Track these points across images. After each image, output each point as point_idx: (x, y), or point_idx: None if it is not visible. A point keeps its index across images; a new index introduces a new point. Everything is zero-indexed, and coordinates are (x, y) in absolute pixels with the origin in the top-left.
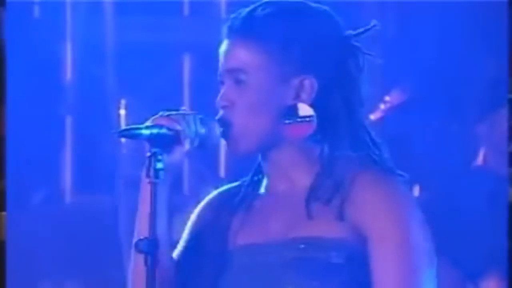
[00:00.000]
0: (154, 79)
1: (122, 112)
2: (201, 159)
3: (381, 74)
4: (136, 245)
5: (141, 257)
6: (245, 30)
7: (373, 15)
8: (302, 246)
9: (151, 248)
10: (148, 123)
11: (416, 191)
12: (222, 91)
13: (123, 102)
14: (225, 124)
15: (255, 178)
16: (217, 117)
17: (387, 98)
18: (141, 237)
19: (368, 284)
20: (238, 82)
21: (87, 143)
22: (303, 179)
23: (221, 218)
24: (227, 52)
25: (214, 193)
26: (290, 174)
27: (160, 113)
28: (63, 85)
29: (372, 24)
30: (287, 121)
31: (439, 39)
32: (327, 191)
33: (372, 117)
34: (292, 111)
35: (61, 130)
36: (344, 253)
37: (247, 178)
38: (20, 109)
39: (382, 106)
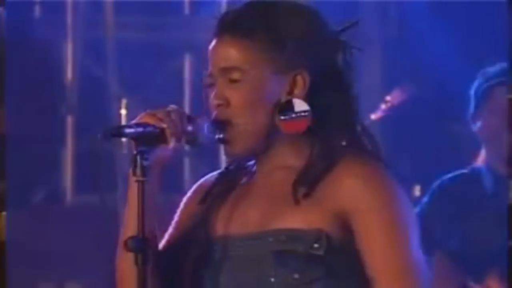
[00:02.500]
0: (154, 79)
1: (123, 111)
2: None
3: (382, 74)
4: (126, 243)
5: (130, 256)
6: (236, 28)
7: (374, 15)
8: (283, 238)
9: (141, 247)
10: (134, 122)
11: (416, 191)
12: (215, 90)
13: (123, 101)
14: (220, 123)
15: (233, 168)
16: (212, 118)
17: (388, 98)
18: (131, 236)
19: (347, 274)
20: (231, 80)
21: (87, 142)
22: (289, 171)
23: (202, 208)
24: (218, 51)
25: (200, 182)
26: (276, 167)
27: (147, 111)
28: (63, 85)
29: (354, 21)
30: (282, 117)
31: (439, 39)
32: (314, 175)
33: (373, 116)
34: (287, 107)
35: (61, 130)
36: (323, 245)
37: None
38: (20, 109)
39: (383, 106)
